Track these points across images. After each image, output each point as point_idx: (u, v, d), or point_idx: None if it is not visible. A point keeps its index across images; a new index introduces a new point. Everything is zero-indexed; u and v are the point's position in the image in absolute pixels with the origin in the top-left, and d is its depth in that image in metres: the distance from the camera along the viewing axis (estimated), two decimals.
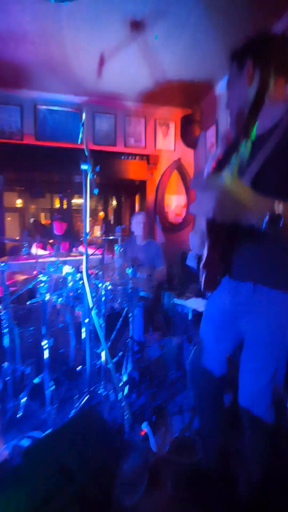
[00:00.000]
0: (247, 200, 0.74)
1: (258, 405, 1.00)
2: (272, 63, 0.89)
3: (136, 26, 2.26)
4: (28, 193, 5.87)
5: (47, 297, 1.68)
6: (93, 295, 1.63)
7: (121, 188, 5.11)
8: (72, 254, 2.69)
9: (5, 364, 1.76)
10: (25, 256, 2.32)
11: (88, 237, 1.56)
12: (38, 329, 2.05)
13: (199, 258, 1.07)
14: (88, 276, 1.57)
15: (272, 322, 0.96)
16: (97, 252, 2.35)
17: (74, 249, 3.25)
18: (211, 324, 1.20)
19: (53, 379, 1.73)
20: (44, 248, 3.05)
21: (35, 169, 3.65)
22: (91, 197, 1.53)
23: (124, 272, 2.06)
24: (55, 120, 3.40)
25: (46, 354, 1.67)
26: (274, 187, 0.79)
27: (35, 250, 2.78)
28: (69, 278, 1.95)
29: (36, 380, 1.74)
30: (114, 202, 6.06)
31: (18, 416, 1.66)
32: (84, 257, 1.57)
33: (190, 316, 2.24)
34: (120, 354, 2.14)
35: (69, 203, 5.71)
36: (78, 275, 1.89)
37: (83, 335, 2.03)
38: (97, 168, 1.49)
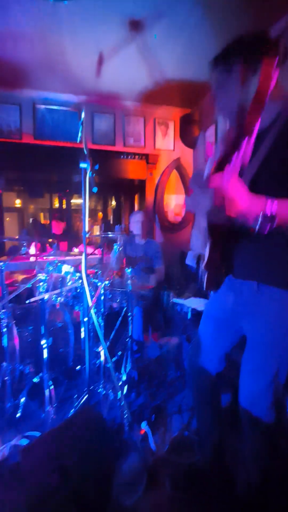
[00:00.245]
0: (244, 200, 0.74)
1: (259, 405, 1.00)
2: (263, 61, 0.88)
3: (135, 25, 2.26)
4: (27, 192, 5.86)
5: (46, 296, 1.68)
6: (92, 294, 1.63)
7: (120, 188, 5.11)
8: (72, 253, 2.69)
9: (4, 364, 1.75)
10: (24, 256, 2.31)
11: (87, 235, 1.55)
12: (37, 329, 2.05)
13: (199, 258, 1.07)
14: (87, 275, 1.57)
15: (275, 322, 0.95)
16: (96, 251, 2.35)
17: (72, 249, 3.25)
18: (211, 322, 1.20)
19: (52, 379, 1.72)
20: (43, 248, 3.05)
21: (34, 169, 3.64)
22: (90, 196, 1.52)
23: (123, 271, 2.05)
24: (54, 119, 3.40)
25: (45, 353, 1.66)
26: (272, 185, 0.79)
27: (34, 249, 2.78)
28: (68, 277, 1.95)
29: (35, 380, 1.74)
30: (114, 202, 6.06)
31: (17, 416, 1.65)
32: (83, 256, 1.56)
33: (189, 316, 2.24)
34: (119, 353, 2.14)
35: (68, 203, 5.71)
36: (78, 274, 1.88)
37: (82, 335, 2.03)
38: (96, 167, 1.49)
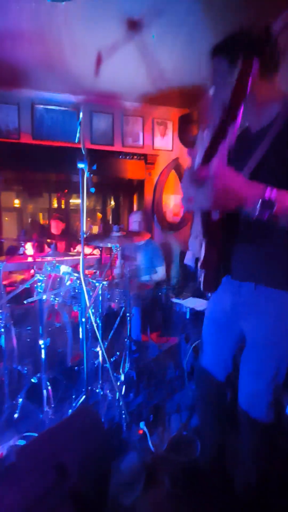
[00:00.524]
0: (239, 189, 0.74)
1: (258, 405, 1.00)
2: (264, 59, 0.88)
3: (134, 25, 2.26)
4: (25, 192, 5.86)
5: (44, 296, 1.67)
6: (90, 294, 1.63)
7: (119, 188, 5.11)
8: (71, 253, 2.69)
9: (2, 364, 1.75)
10: (22, 256, 2.31)
11: (85, 235, 1.55)
12: (35, 329, 2.04)
13: (198, 258, 1.06)
14: (85, 275, 1.57)
15: (274, 322, 0.95)
16: (95, 251, 2.35)
17: (71, 249, 3.25)
18: (213, 325, 1.19)
19: (50, 379, 1.72)
20: (41, 248, 3.05)
21: (32, 169, 3.64)
22: (88, 196, 1.52)
23: (122, 271, 2.05)
24: (53, 119, 3.39)
25: (43, 354, 1.66)
26: (272, 184, 0.79)
27: (32, 249, 2.77)
28: (67, 277, 1.94)
29: (33, 380, 1.73)
30: (112, 202, 6.05)
31: (15, 416, 1.65)
32: (81, 256, 1.56)
33: (188, 315, 2.24)
34: (117, 353, 2.14)
35: (67, 203, 5.70)
36: (76, 274, 1.88)
37: (81, 335, 2.03)
38: (94, 167, 1.49)
